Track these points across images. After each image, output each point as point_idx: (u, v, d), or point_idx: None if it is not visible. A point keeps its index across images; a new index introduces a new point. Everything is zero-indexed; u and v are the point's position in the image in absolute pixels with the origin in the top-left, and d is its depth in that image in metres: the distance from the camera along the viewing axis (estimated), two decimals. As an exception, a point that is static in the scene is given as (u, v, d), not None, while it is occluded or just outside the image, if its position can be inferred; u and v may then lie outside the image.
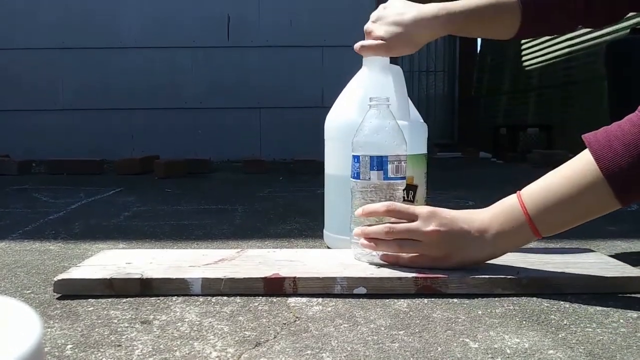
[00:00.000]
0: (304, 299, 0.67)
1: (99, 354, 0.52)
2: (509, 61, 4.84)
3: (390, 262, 0.73)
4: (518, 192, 0.70)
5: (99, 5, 3.24)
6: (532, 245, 0.96)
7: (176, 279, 0.69)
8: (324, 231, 0.98)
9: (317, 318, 0.61)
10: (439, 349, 0.53)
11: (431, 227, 0.69)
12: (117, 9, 3.25)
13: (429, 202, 0.92)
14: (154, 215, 1.35)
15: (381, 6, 0.90)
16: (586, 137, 0.66)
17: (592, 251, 0.85)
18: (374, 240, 0.73)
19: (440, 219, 0.70)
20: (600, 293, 0.69)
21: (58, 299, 0.68)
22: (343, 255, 0.80)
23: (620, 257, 0.89)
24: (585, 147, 0.66)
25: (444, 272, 0.70)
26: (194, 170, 2.54)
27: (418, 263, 0.72)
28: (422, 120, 0.94)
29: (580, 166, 0.65)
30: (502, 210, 0.70)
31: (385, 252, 0.73)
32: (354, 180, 0.77)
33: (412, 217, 0.71)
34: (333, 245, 0.94)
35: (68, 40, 3.24)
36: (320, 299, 0.67)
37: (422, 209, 0.72)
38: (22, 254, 0.94)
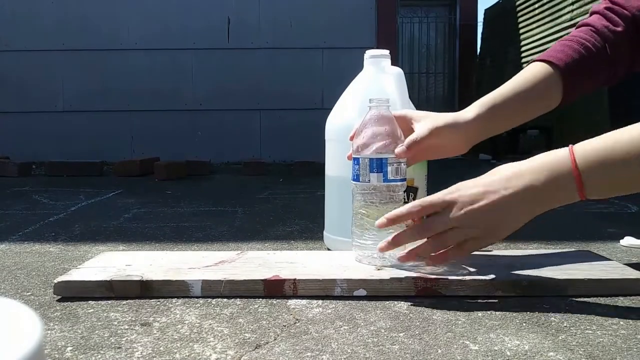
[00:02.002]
0: (304, 301, 0.67)
1: (99, 356, 0.52)
2: (510, 63, 4.84)
3: (440, 262, 0.70)
4: (571, 146, 0.66)
5: (98, 7, 3.24)
6: (532, 247, 0.96)
7: (176, 280, 0.69)
8: (324, 233, 0.98)
9: (317, 320, 0.61)
10: (439, 351, 0.53)
11: (461, 211, 0.66)
12: (117, 10, 3.25)
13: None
14: (153, 217, 1.35)
15: None
16: None
17: (593, 253, 0.85)
18: (414, 250, 0.69)
19: (466, 198, 0.66)
20: (600, 295, 0.69)
21: (58, 301, 0.68)
22: (343, 257, 0.80)
23: (621, 259, 0.89)
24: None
25: (444, 274, 0.70)
26: (193, 172, 2.54)
27: (465, 251, 0.69)
28: (422, 122, 0.94)
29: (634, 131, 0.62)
30: (545, 162, 0.66)
31: (430, 256, 0.70)
32: (354, 182, 0.77)
33: (441, 206, 0.68)
34: (333, 247, 0.94)
35: (68, 42, 3.25)
36: (320, 301, 0.67)
37: (444, 196, 0.68)
38: (22, 256, 0.94)
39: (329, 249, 0.96)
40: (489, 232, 0.69)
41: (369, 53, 0.93)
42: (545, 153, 0.67)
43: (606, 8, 0.79)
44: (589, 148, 0.65)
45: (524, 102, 0.77)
